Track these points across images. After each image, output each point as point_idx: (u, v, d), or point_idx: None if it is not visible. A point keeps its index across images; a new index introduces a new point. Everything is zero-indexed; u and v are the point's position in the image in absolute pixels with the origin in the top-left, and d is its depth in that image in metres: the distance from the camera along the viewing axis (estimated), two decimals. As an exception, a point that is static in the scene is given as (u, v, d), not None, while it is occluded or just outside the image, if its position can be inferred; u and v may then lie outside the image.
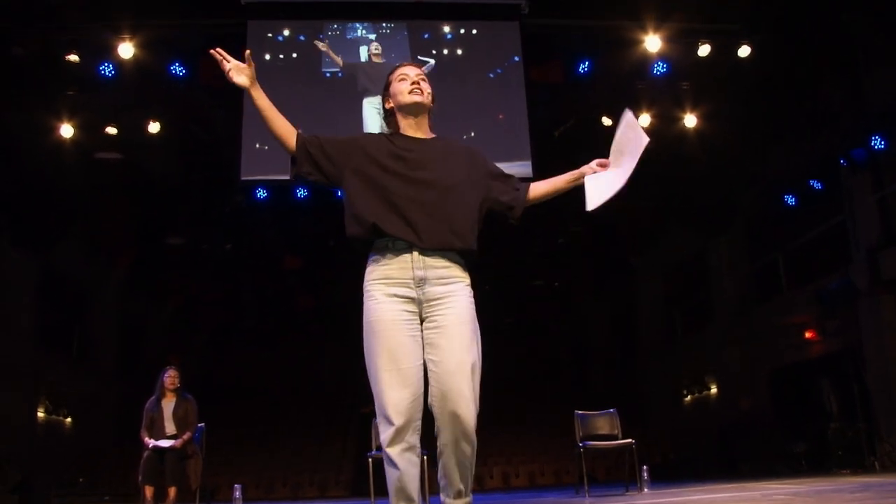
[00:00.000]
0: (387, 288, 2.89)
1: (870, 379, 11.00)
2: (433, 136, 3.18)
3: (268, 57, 10.11)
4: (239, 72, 2.98)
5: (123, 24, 9.31)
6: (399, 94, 3.10)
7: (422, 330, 2.90)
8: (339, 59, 10.09)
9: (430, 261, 2.89)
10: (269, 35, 10.19)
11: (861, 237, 11.26)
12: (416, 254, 2.89)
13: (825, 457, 10.92)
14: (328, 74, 10.26)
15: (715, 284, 15.72)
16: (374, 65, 10.03)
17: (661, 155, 12.00)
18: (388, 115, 3.19)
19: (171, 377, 7.53)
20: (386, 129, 3.19)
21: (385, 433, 2.82)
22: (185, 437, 7.29)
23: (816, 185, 12.53)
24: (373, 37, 10.16)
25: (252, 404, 19.79)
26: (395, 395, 2.80)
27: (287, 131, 3.04)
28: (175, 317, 19.75)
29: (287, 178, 10.06)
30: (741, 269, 15.27)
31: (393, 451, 2.80)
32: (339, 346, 22.71)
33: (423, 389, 2.85)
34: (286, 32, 10.23)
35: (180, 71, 10.17)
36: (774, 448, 12.39)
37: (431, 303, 2.89)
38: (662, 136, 11.59)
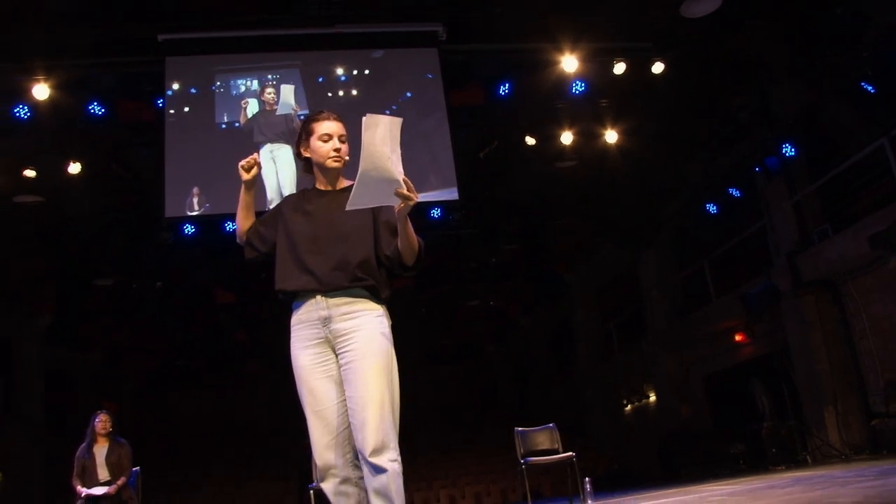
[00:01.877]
0: (300, 331, 3.08)
1: (797, 377, 11.38)
2: (344, 184, 3.31)
3: (172, 111, 10.01)
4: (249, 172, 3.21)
5: (37, 66, 9.13)
6: (319, 155, 3.25)
7: (338, 365, 3.05)
8: (244, 118, 10.04)
9: (333, 301, 3.04)
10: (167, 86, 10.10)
11: (780, 241, 11.69)
12: (318, 297, 3.05)
13: (762, 455, 11.23)
14: (223, 126, 10.22)
15: (647, 296, 16.08)
16: (266, 114, 10.00)
17: (586, 171, 12.35)
18: (307, 163, 3.34)
19: (102, 421, 7.38)
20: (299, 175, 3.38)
21: (317, 472, 3.05)
22: (120, 482, 7.14)
23: (735, 192, 12.97)
24: (262, 87, 10.14)
25: (188, 445, 19.40)
26: (317, 436, 3.01)
27: (248, 224, 3.33)
28: (105, 362, 19.26)
29: (213, 213, 9.99)
30: (670, 280, 15.67)
31: (327, 487, 3.02)
32: (273, 379, 22.53)
33: (348, 423, 2.99)
34: (175, 86, 10.12)
35: (99, 110, 10.00)
36: (714, 451, 12.69)
37: (340, 339, 3.03)
38: (585, 154, 11.92)
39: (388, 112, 9.85)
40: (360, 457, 2.94)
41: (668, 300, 15.61)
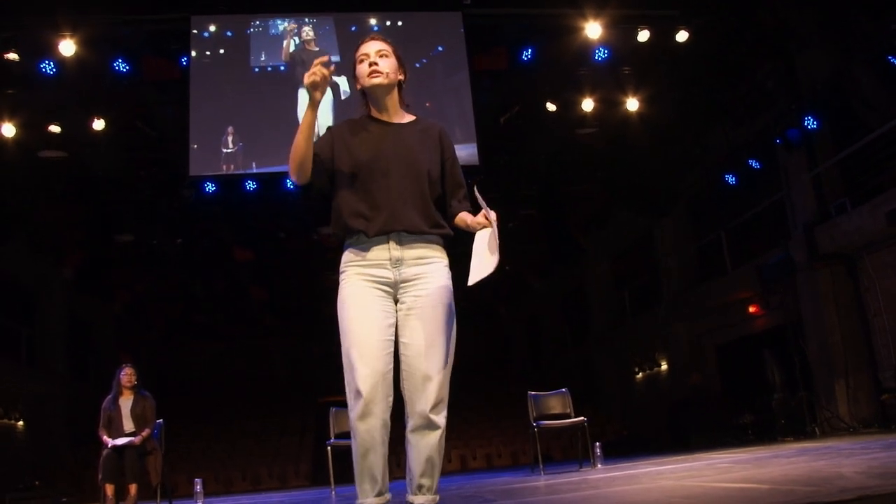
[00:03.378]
0: (362, 269, 2.87)
1: (810, 350, 11.44)
2: (406, 116, 3.10)
3: (194, 54, 10.10)
4: (324, 83, 2.81)
5: (63, 22, 9.19)
6: (360, 77, 3.04)
7: (396, 311, 2.88)
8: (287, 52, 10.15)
9: (407, 243, 2.88)
10: (195, 31, 10.14)
11: (798, 213, 11.67)
12: (392, 235, 2.86)
13: (770, 426, 11.33)
14: (257, 69, 10.29)
15: (662, 264, 16.11)
16: (305, 51, 10.04)
17: (606, 138, 12.32)
18: (361, 96, 3.12)
19: (127, 375, 7.55)
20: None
21: (354, 406, 2.75)
22: (144, 433, 7.34)
23: (755, 164, 12.89)
24: (299, 27, 10.18)
25: (207, 399, 19.77)
26: (364, 369, 2.75)
27: (309, 152, 2.92)
28: (125, 314, 19.57)
29: (235, 172, 10.09)
30: (686, 248, 15.67)
31: (361, 425, 2.74)
32: (292, 336, 22.81)
33: (391, 367, 2.82)
34: (212, 28, 10.20)
35: (124, 67, 10.06)
36: (723, 420, 12.80)
37: (407, 283, 2.87)
38: (606, 121, 11.87)
39: (417, 65, 10.01)
40: (412, 410, 2.82)
41: (683, 269, 15.63)
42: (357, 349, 2.78)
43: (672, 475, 4.58)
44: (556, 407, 8.52)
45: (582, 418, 8.02)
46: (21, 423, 14.46)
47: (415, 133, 3.03)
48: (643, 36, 10.20)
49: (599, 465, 8.25)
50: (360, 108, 3.17)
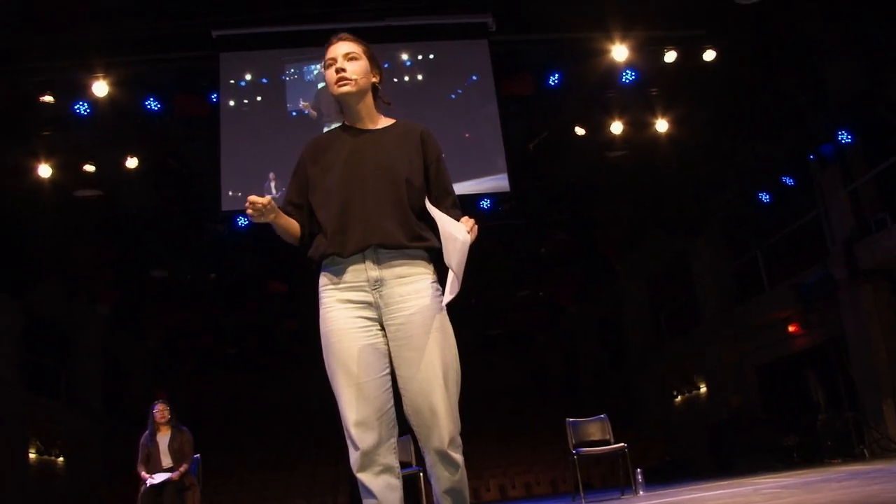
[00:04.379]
0: (339, 293, 2.60)
1: (854, 368, 11.20)
2: (383, 120, 2.86)
3: (232, 103, 10.24)
4: (262, 215, 2.58)
5: (96, 63, 9.40)
6: (329, 84, 2.77)
7: (385, 337, 2.60)
8: (314, 112, 10.22)
9: (386, 259, 2.59)
10: (232, 81, 10.30)
11: (836, 230, 11.49)
12: (368, 252, 2.58)
13: (816, 448, 11.08)
14: (294, 114, 10.41)
15: (698, 285, 15.94)
16: (326, 91, 10.16)
17: (636, 160, 12.26)
18: (337, 101, 2.85)
19: (160, 410, 7.58)
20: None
21: (353, 458, 2.52)
22: (182, 468, 7.35)
23: (788, 181, 12.78)
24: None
25: (242, 430, 19.82)
26: (355, 416, 2.51)
27: (294, 225, 2.75)
28: (159, 349, 19.74)
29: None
30: (722, 269, 15.50)
31: (365, 477, 2.51)
32: (324, 366, 22.82)
33: (391, 402, 2.57)
34: (248, 77, 10.35)
35: (155, 105, 10.27)
36: (766, 443, 12.55)
37: (392, 307, 2.58)
38: (636, 143, 11.83)
39: (453, 96, 10.03)
40: (426, 447, 2.54)
41: (720, 289, 15.45)
42: (347, 394, 2.54)
43: (718, 502, 4.48)
44: (595, 433, 8.40)
45: (622, 444, 7.90)
46: (61, 459, 14.60)
47: (392, 138, 2.77)
48: (670, 56, 10.20)
49: (641, 492, 8.12)
50: (334, 113, 3.01)
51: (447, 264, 2.55)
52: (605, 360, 21.29)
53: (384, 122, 2.84)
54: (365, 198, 2.61)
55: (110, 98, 9.62)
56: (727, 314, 15.04)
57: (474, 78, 10.08)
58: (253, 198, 2.54)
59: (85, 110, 9.85)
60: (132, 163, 10.91)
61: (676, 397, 17.48)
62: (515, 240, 14.77)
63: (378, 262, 2.58)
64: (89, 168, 10.94)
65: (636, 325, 19.00)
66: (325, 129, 9.91)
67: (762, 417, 14.14)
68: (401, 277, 2.59)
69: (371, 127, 2.80)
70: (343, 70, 2.72)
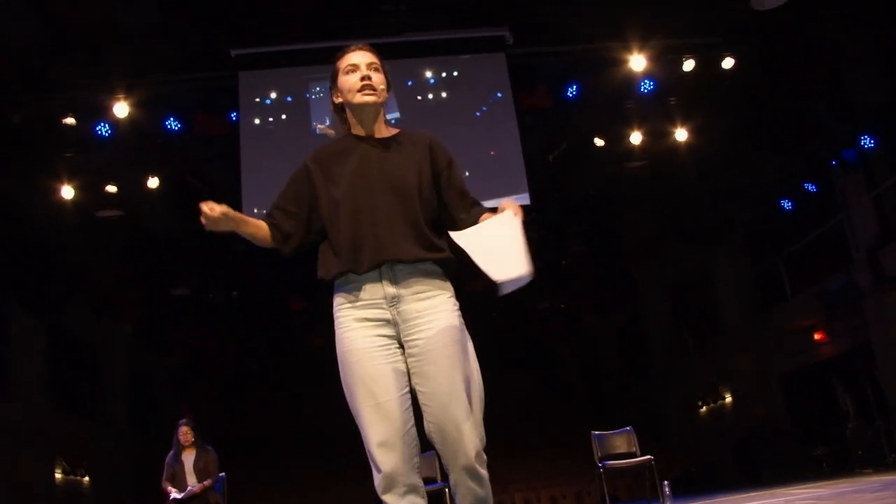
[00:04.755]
0: (356, 311, 2.54)
1: (881, 376, 11.02)
2: (391, 131, 2.79)
3: (258, 122, 10.29)
4: (215, 224, 2.58)
5: (117, 84, 9.48)
6: (347, 90, 2.70)
7: (404, 355, 2.55)
8: (331, 132, 10.12)
9: (402, 275, 2.54)
10: (258, 100, 10.34)
11: (860, 236, 11.34)
12: (384, 269, 2.53)
13: (846, 458, 10.91)
14: (317, 132, 10.41)
15: (720, 294, 15.78)
16: None
17: (655, 170, 12.20)
18: (338, 111, 2.82)
19: (184, 433, 7.57)
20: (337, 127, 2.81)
21: (377, 480, 2.47)
22: (206, 482, 7.33)
23: (811, 187, 12.66)
24: None
25: (270, 450, 19.77)
26: (377, 436, 2.46)
27: (264, 230, 2.71)
28: (184, 368, 19.80)
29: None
30: (745, 277, 15.33)
31: (390, 499, 2.45)
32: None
33: (412, 421, 2.52)
34: (273, 95, 10.38)
35: (175, 125, 10.33)
36: (794, 453, 12.38)
37: (410, 323, 2.53)
38: (655, 153, 11.77)
39: (478, 114, 9.99)
40: (452, 465, 2.49)
41: (742, 298, 15.28)
42: (368, 415, 2.49)
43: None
44: (620, 446, 8.29)
45: (649, 457, 7.79)
46: (87, 478, 14.62)
47: (401, 147, 2.72)
48: (688, 65, 10.15)
49: (669, 505, 8.00)
50: (336, 125, 2.86)
51: (506, 273, 2.41)
52: (629, 372, 21.12)
53: (390, 131, 2.79)
54: (376, 211, 2.56)
55: (131, 119, 9.68)
56: (750, 323, 14.87)
57: (499, 95, 10.04)
58: (208, 206, 2.52)
59: (106, 131, 9.92)
60: (153, 182, 10.97)
61: (701, 408, 17.28)
62: (535, 252, 14.68)
63: (394, 278, 2.53)
64: (111, 189, 11.03)
65: (658, 335, 18.83)
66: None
67: (789, 427, 13.96)
68: (418, 293, 2.54)
69: (378, 136, 2.74)
70: (369, 78, 2.67)
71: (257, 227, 2.68)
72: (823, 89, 11.36)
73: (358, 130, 2.75)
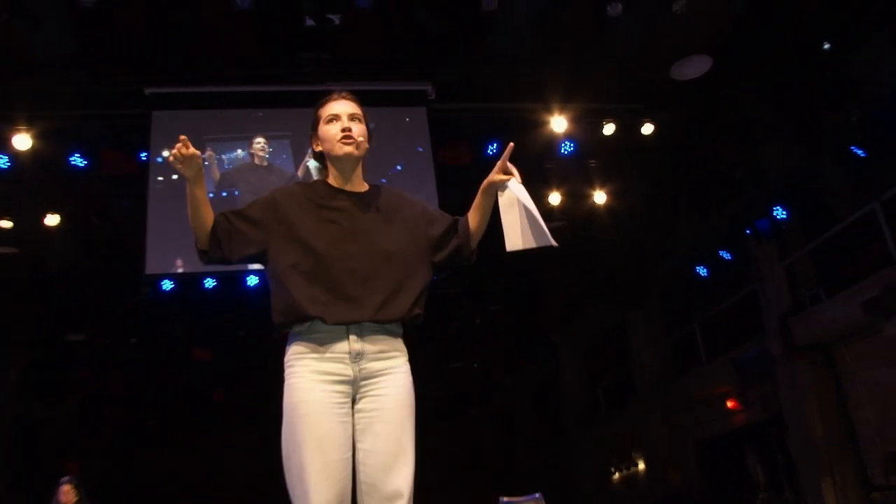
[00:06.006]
0: (316, 363, 2.54)
1: (792, 446, 11.32)
2: (367, 185, 2.88)
3: (160, 178, 10.06)
4: (184, 164, 2.59)
5: (19, 115, 9.20)
6: (327, 140, 2.78)
7: (353, 415, 2.56)
8: (216, 173, 9.77)
9: (369, 332, 2.59)
10: (171, 142, 10.06)
11: (772, 304, 11.73)
12: (353, 327, 2.57)
13: (756, 528, 11.11)
14: (211, 195, 10.16)
15: (635, 358, 16.06)
16: (254, 169, 9.71)
17: (574, 231, 12.41)
18: (318, 157, 2.89)
19: (65, 492, 7.24)
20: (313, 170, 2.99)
21: None
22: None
23: (726, 255, 13.07)
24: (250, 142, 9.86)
25: (161, 508, 19.06)
26: (321, 496, 2.40)
27: (208, 216, 2.69)
28: (75, 419, 18.99)
29: (194, 270, 9.95)
30: (660, 342, 15.67)
31: None
32: (253, 440, 22.18)
33: (350, 485, 2.50)
34: (165, 153, 10.15)
35: (81, 162, 10.05)
36: (705, 522, 12.56)
37: (368, 381, 2.56)
38: (574, 214, 12.00)
39: (384, 180, 9.97)
40: None
41: (657, 363, 15.59)
42: (314, 473, 2.43)
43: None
44: (530, 512, 8.29)
45: (558, 524, 7.81)
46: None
47: (379, 204, 2.81)
48: (609, 129, 10.40)
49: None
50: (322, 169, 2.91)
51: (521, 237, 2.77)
52: (540, 433, 21.20)
53: (364, 186, 2.88)
54: (356, 267, 2.61)
55: (33, 151, 9.38)
56: (665, 388, 15.15)
57: (419, 149, 10.12)
58: (183, 141, 2.54)
59: (4, 164, 9.59)
60: (53, 220, 10.61)
61: (615, 474, 17.43)
62: (449, 310, 14.74)
63: (361, 334, 2.57)
64: (5, 224, 10.64)
65: (573, 398, 19.02)
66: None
67: (703, 496, 14.17)
68: (381, 352, 2.60)
69: (357, 190, 2.82)
70: (349, 130, 2.77)
71: (205, 204, 2.66)
72: (739, 158, 11.85)
73: (336, 181, 2.82)
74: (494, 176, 2.93)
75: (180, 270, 9.99)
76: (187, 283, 10.59)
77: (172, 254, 9.74)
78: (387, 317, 2.60)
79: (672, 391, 14.88)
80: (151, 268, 9.87)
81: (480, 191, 2.98)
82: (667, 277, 14.88)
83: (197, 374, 16.64)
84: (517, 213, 2.82)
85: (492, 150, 10.62)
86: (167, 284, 10.60)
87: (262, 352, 16.02)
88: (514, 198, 2.83)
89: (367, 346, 2.58)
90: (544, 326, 17.66)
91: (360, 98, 2.94)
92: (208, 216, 2.67)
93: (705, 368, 13.84)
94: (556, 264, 13.99)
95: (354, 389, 2.57)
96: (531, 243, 2.82)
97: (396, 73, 9.68)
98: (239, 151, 9.97)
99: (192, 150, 2.56)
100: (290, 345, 2.65)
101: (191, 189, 2.63)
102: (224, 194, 9.69)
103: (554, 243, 2.78)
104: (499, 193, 2.88)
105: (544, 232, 2.79)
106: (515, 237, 2.82)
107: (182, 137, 2.57)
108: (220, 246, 2.68)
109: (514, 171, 2.87)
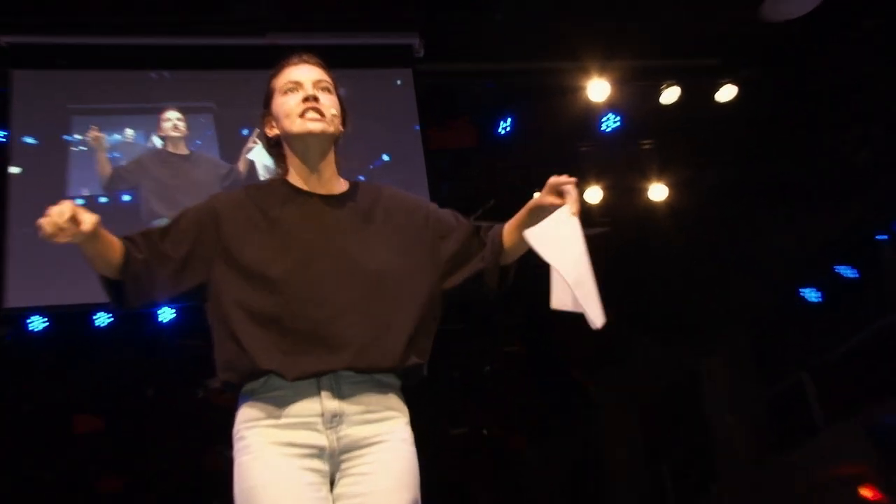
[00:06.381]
0: (277, 432, 2.58)
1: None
2: (344, 184, 2.96)
3: (19, 170, 10.00)
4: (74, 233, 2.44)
5: None
6: (286, 115, 2.85)
7: (331, 496, 2.63)
8: (106, 167, 9.60)
9: (349, 386, 2.65)
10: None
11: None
12: (325, 380, 2.62)
13: None
14: (81, 201, 10.09)
15: (716, 422, 16.04)
16: (166, 159, 9.55)
17: (621, 238, 12.46)
18: (272, 146, 2.97)
19: None
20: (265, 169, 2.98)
21: None
22: None
23: (848, 272, 12.99)
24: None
25: None
26: None
27: (115, 250, 2.65)
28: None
29: (75, 302, 9.96)
30: (753, 398, 15.61)
31: None
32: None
33: None
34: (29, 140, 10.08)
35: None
36: None
37: (351, 454, 2.65)
38: (621, 215, 11.90)
39: (361, 177, 10.04)
40: None
41: (748, 430, 15.56)
42: None
43: None
44: None
45: None
46: None
47: (362, 208, 2.89)
48: (670, 95, 10.46)
49: None
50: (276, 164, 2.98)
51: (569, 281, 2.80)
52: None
53: (341, 184, 2.97)
54: (326, 297, 2.65)
55: None
56: (761, 468, 15.13)
57: (402, 128, 9.93)
58: (59, 209, 2.39)
59: None
60: None
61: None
62: (449, 353, 14.82)
63: (338, 390, 2.63)
64: None
65: (624, 478, 19.02)
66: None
67: None
68: (368, 413, 2.67)
69: (329, 191, 2.90)
70: (315, 99, 2.85)
71: (107, 247, 2.61)
72: (864, 134, 11.68)
73: (299, 178, 2.89)
74: (544, 198, 2.95)
75: (56, 302, 10.01)
76: (67, 319, 10.64)
77: (45, 278, 9.73)
78: (371, 364, 2.64)
79: (772, 472, 14.87)
80: (13, 299, 9.95)
81: (526, 210, 3.07)
82: (758, 305, 14.86)
83: (80, 452, 16.75)
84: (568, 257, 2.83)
85: (504, 129, 10.58)
86: (37, 322, 10.69)
87: (182, 419, 16.00)
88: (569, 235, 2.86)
89: (347, 406, 2.63)
90: (579, 375, 17.66)
91: (331, 55, 3.19)
92: (115, 254, 2.66)
93: (822, 437, 13.85)
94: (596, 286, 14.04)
95: (333, 466, 2.64)
96: (580, 307, 2.89)
97: (369, 21, 9.66)
98: (134, 131, 9.88)
99: (67, 210, 2.42)
100: (240, 408, 2.69)
101: (85, 252, 2.58)
102: (123, 199, 9.70)
103: (598, 323, 2.86)
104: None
105: (595, 300, 2.88)
106: (564, 292, 2.88)
107: (50, 209, 2.43)
108: (138, 285, 2.69)
109: (573, 192, 2.86)
